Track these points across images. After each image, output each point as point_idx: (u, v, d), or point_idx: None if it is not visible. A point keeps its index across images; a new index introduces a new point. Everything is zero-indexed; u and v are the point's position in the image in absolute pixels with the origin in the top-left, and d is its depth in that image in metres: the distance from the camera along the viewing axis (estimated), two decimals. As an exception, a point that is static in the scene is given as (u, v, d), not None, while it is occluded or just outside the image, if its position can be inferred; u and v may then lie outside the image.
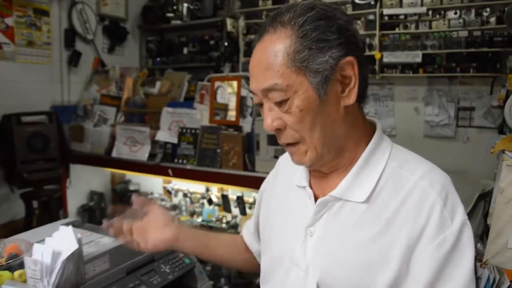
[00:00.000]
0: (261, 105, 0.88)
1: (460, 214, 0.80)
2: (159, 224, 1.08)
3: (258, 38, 0.85)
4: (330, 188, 0.89)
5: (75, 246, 1.10)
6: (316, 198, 0.91)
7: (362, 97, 0.88)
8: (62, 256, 1.09)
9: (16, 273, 1.14)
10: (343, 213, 0.86)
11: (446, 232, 0.78)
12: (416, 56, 3.80)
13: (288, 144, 0.87)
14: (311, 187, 0.94)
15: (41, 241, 1.18)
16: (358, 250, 0.82)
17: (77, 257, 1.12)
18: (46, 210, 3.36)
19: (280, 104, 0.82)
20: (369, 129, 0.92)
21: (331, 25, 0.80)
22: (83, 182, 3.94)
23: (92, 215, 3.92)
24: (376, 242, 0.81)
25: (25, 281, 1.13)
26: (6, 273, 1.13)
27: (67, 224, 1.45)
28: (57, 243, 1.12)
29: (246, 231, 1.23)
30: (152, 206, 1.11)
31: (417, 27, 3.82)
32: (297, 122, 0.82)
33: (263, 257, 1.05)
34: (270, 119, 0.84)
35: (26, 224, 3.29)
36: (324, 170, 0.91)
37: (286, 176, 1.05)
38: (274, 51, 0.80)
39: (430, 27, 3.75)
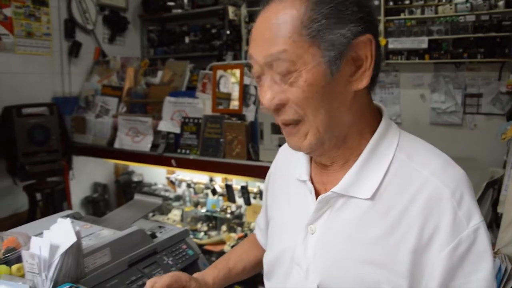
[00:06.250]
0: (258, 77, 0.79)
1: (477, 216, 0.72)
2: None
3: (263, 7, 0.76)
4: (332, 183, 0.82)
5: (73, 239, 1.06)
6: (317, 193, 0.85)
7: (373, 82, 0.79)
8: (60, 250, 1.06)
9: (14, 267, 1.11)
10: (346, 211, 0.79)
11: (461, 235, 0.71)
12: (422, 42, 3.72)
13: (287, 124, 0.78)
14: (312, 181, 0.88)
15: (40, 234, 1.15)
16: (361, 251, 0.76)
17: (76, 250, 1.09)
18: (50, 202, 3.36)
19: (285, 75, 0.73)
20: (376, 116, 0.83)
21: None
22: (87, 174, 3.94)
23: (96, 207, 3.93)
24: (381, 242, 0.74)
25: (23, 275, 1.09)
26: (4, 267, 1.10)
27: (66, 217, 1.43)
28: (55, 236, 1.08)
29: (258, 229, 1.19)
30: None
31: (422, 12, 3.75)
32: (302, 97, 0.73)
33: (266, 253, 1.00)
34: (271, 93, 0.75)
35: (30, 216, 3.30)
36: (324, 161, 0.84)
37: (286, 169, 0.99)
38: (284, 17, 0.71)
39: (436, 12, 3.68)
